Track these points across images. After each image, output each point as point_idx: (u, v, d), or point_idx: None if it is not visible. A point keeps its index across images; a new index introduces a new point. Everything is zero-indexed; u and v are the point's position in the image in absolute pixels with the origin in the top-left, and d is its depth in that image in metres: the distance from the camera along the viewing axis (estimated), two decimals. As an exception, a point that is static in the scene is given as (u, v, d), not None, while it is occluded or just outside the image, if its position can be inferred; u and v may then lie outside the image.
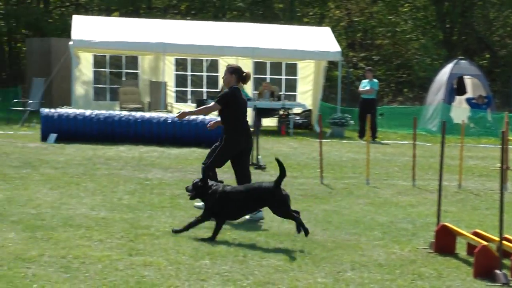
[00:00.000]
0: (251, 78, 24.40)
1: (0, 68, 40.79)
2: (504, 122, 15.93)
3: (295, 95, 26.66)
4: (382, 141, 22.41)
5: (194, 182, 9.13)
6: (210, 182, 9.07)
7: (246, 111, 10.33)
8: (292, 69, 27.21)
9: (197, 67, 27.73)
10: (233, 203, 8.90)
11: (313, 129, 24.83)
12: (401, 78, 39.58)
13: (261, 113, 23.67)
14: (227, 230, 9.20)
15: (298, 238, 8.99)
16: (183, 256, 7.87)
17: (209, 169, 9.87)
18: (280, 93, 25.40)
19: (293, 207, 11.00)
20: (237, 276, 7.32)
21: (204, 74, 27.32)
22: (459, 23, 39.95)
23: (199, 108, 12.36)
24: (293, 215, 9.04)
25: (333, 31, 26.60)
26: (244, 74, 10.45)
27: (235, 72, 10.32)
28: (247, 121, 10.22)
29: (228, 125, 10.02)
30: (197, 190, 9.04)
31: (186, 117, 11.33)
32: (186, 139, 18.58)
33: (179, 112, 10.41)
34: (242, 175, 10.01)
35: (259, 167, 15.02)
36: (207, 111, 10.93)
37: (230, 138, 9.93)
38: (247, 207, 9.06)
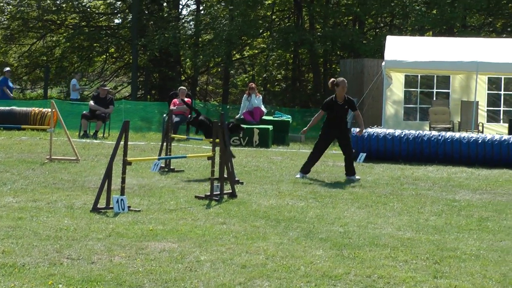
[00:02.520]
0: None
1: (316, 89, 42.34)
2: None
3: None
4: None
5: None
6: None
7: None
8: None
9: (511, 86, 26.92)
10: None
11: None
12: None
13: None
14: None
15: None
16: (489, 281, 7.69)
17: None
18: None
19: None
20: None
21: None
22: None
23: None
24: None
25: None
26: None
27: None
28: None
29: None
30: None
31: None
32: (497, 160, 18.11)
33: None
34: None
35: None
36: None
37: None
38: None
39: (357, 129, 16.46)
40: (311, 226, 10.19)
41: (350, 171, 15.23)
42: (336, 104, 15.16)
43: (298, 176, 15.17)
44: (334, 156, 18.44)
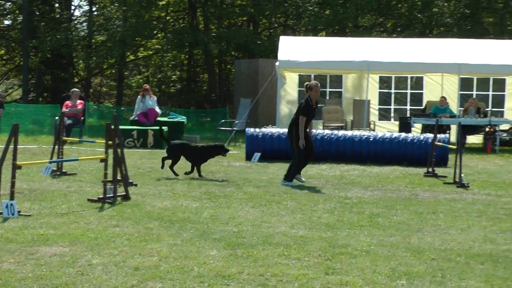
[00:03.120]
0: (457, 95, 24.16)
1: (211, 90, 42.37)
2: None
3: (502, 111, 25.84)
4: None
5: None
6: None
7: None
8: (500, 84, 26.41)
9: (401, 85, 27.55)
10: None
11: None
12: None
13: (466, 130, 23.18)
14: (425, 250, 9.08)
15: (500, 259, 8.72)
16: (379, 276, 7.84)
17: None
18: (487, 109, 24.72)
19: (497, 226, 10.77)
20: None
21: (408, 91, 27.07)
22: None
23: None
24: None
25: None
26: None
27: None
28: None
29: None
30: None
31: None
32: (388, 157, 18.50)
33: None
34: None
35: (461, 185, 14.67)
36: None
37: None
38: None
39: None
40: (205, 227, 10.18)
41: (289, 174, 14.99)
42: (312, 108, 14.96)
43: (303, 180, 14.90)
44: (229, 156, 18.44)
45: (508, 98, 26.17)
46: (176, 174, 15.26)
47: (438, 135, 18.21)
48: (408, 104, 26.93)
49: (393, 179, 15.68)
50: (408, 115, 25.40)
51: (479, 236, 10.12)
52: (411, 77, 26.84)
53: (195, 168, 15.43)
